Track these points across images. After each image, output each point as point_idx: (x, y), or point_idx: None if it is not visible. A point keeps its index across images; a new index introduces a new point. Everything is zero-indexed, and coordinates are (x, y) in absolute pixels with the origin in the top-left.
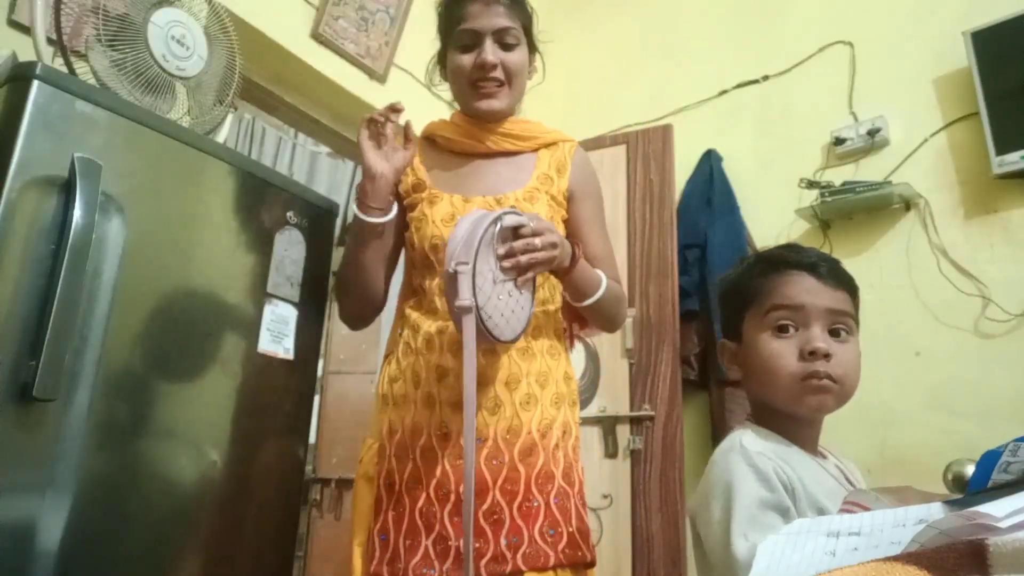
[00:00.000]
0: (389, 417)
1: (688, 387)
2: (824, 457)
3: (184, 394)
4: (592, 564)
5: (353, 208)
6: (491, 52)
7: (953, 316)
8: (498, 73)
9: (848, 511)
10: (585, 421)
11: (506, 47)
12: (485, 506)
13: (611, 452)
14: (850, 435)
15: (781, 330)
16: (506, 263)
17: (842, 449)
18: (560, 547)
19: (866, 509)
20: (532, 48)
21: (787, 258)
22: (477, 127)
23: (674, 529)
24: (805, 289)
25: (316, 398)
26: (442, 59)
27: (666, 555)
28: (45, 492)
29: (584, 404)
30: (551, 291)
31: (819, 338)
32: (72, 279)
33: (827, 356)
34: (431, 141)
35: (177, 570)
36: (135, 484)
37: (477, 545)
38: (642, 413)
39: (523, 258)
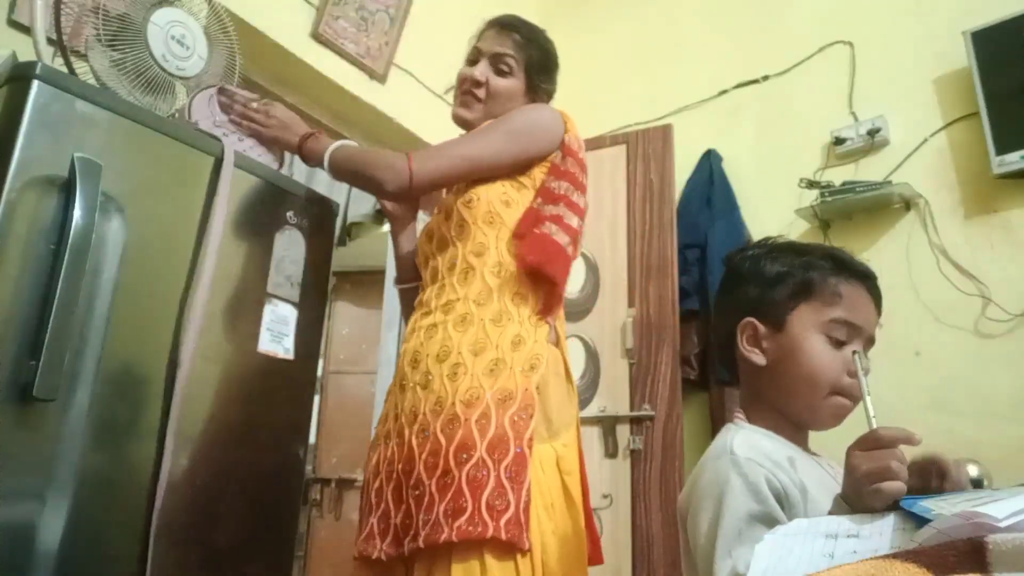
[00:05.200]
0: (385, 405)
1: (688, 387)
2: (818, 455)
3: (184, 394)
4: (496, 540)
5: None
6: (480, 70)
7: (953, 316)
8: (479, 91)
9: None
10: (585, 421)
11: (499, 72)
12: (411, 481)
13: (611, 452)
14: (849, 435)
15: (835, 341)
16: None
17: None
18: (457, 523)
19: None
20: (531, 87)
21: (856, 267)
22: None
23: (674, 529)
24: (865, 309)
25: (316, 398)
26: None
27: (666, 555)
28: (45, 492)
29: (584, 404)
30: (504, 253)
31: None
32: (72, 279)
33: None
34: None
35: (177, 570)
36: (135, 484)
37: (407, 521)
38: (642, 413)
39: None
